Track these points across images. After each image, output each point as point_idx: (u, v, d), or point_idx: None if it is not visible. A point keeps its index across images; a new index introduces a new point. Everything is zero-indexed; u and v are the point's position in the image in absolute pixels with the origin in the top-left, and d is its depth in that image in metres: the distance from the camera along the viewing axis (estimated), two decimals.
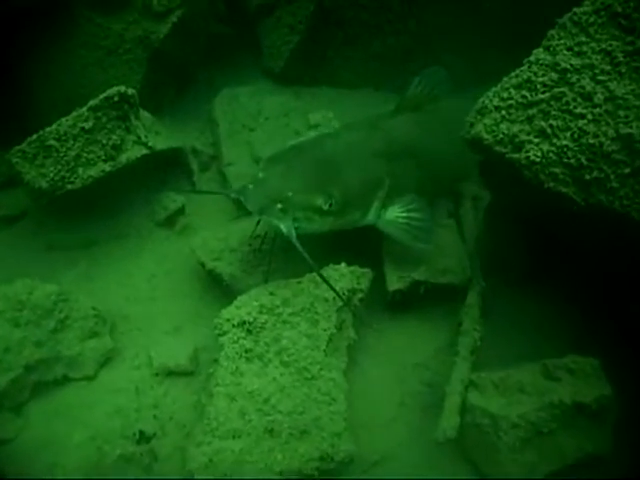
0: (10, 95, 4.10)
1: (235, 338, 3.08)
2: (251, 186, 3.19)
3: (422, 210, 3.50)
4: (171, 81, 4.53)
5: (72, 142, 3.59)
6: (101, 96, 3.65)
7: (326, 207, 3.21)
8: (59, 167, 3.58)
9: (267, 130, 4.38)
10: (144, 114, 3.95)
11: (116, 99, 3.65)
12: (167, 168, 4.19)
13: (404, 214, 3.50)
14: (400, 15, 4.56)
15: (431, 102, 3.82)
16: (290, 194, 3.12)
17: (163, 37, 4.18)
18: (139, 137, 3.78)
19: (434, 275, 3.57)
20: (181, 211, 4.07)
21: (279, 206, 3.10)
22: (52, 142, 3.56)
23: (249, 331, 3.10)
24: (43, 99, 4.35)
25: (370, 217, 3.50)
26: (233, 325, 3.11)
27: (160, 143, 3.98)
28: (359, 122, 3.84)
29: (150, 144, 3.81)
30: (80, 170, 3.62)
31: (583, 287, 3.47)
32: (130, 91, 3.72)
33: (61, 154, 3.58)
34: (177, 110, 4.59)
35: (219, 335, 3.10)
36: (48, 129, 3.57)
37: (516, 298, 3.70)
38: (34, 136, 3.60)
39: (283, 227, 3.09)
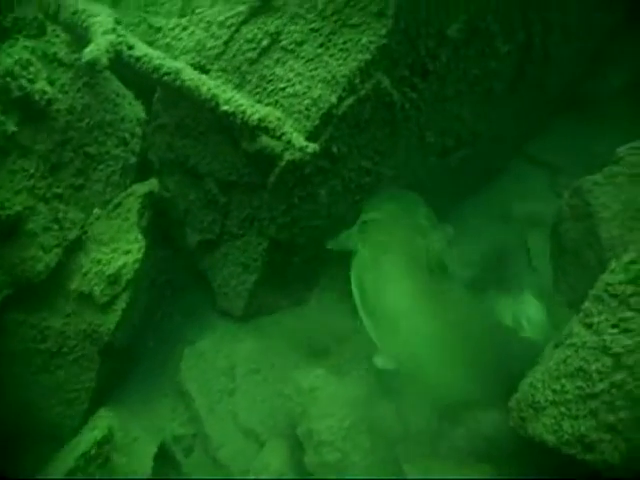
0: None
1: None
2: None
3: None
4: (123, 357, 3.92)
5: None
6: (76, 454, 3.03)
7: None
8: None
9: (248, 391, 3.88)
10: (117, 434, 3.36)
11: (93, 452, 3.05)
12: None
13: None
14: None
15: None
16: None
17: (114, 328, 3.57)
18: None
19: None
20: None
21: None
22: None
23: None
24: None
25: None
26: None
27: (145, 461, 3.39)
28: None
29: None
30: None
31: None
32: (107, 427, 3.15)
33: None
34: (136, 385, 3.98)
35: None
36: None
37: None
38: None
39: None
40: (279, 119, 3.44)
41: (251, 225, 4.00)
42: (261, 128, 3.46)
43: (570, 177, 5.45)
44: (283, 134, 3.41)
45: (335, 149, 3.77)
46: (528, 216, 5.17)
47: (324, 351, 3.85)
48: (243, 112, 3.52)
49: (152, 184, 3.94)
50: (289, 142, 3.42)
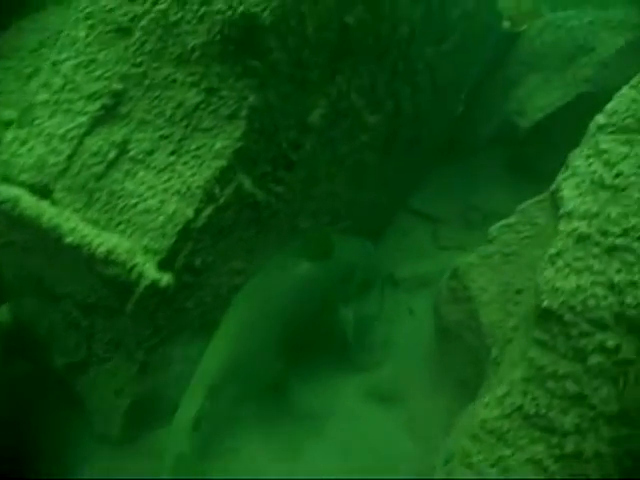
0: None
1: None
2: None
3: None
4: None
5: None
6: None
7: None
8: None
9: None
10: None
11: None
12: None
13: None
14: None
15: None
16: None
17: None
18: None
19: None
20: None
21: None
22: None
23: None
24: None
25: None
26: None
27: None
28: None
29: None
30: None
31: None
32: None
33: None
34: None
35: None
36: None
37: None
38: None
39: None
40: (128, 251, 3.15)
41: (117, 349, 3.70)
42: (109, 261, 3.16)
43: (451, 228, 5.45)
44: (134, 267, 3.14)
45: (198, 262, 3.52)
46: (413, 277, 5.08)
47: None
48: (89, 244, 3.21)
49: (1, 314, 3.57)
50: (141, 275, 3.14)
